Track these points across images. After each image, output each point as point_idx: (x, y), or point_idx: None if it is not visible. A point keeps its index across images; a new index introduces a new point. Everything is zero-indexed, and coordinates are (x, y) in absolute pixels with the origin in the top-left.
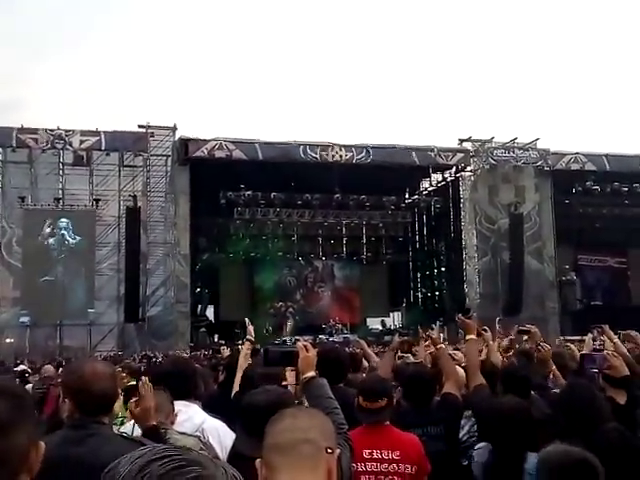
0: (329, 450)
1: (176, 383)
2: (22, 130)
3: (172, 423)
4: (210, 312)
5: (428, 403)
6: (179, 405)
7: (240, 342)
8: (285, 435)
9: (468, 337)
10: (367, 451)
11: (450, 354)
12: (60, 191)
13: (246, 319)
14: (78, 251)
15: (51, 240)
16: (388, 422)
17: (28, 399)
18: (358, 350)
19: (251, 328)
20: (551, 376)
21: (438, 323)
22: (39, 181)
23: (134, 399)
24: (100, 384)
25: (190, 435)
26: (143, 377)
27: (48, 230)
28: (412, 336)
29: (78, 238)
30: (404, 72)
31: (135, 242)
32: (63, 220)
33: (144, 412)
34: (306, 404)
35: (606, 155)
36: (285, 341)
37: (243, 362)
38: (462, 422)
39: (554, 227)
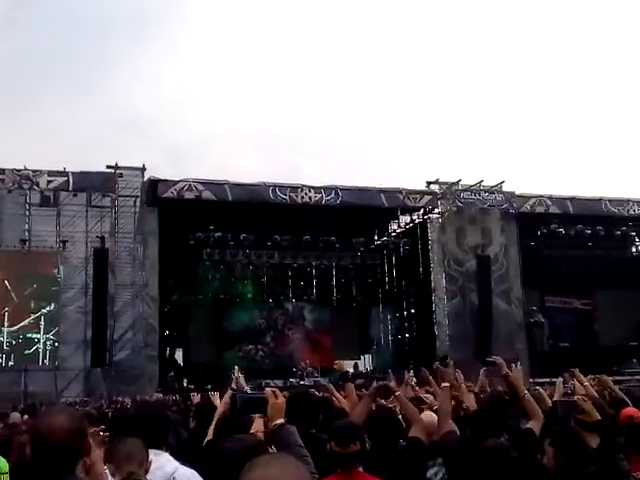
0: None
1: (147, 431)
2: None
3: (146, 472)
4: (179, 355)
5: (392, 447)
6: (149, 454)
7: (209, 387)
8: None
9: (443, 385)
10: None
11: (422, 397)
12: (26, 232)
13: (235, 368)
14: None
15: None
16: (361, 468)
17: None
18: (328, 394)
19: (240, 378)
20: (522, 401)
21: (390, 371)
22: (4, 222)
23: (85, 459)
24: (57, 440)
25: None
26: (98, 431)
27: None
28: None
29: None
30: (371, 115)
31: (102, 284)
32: None
33: (95, 478)
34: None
35: (570, 198)
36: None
37: (222, 410)
38: (435, 470)
39: (520, 269)
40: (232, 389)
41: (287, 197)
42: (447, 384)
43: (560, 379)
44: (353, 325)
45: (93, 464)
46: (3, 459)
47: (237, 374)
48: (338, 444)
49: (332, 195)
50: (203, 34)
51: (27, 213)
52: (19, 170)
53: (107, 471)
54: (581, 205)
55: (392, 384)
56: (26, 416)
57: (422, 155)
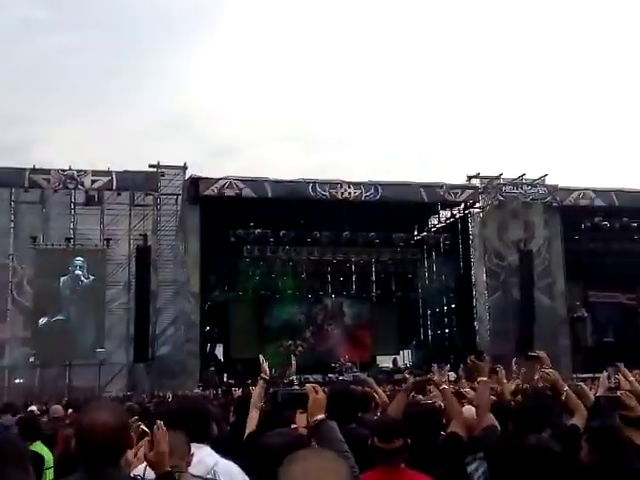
0: None
1: (188, 424)
2: (34, 170)
3: (188, 464)
4: (219, 351)
5: (431, 442)
6: (191, 447)
7: (249, 381)
8: (299, 479)
9: (480, 379)
10: None
11: (463, 392)
12: (71, 231)
13: (260, 356)
14: (90, 291)
15: (64, 279)
16: (403, 464)
17: (22, 453)
18: (368, 389)
19: (265, 366)
20: (563, 397)
21: (435, 365)
22: (51, 221)
23: (146, 439)
24: (99, 437)
25: (204, 479)
26: (158, 421)
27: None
28: (424, 375)
29: (91, 277)
30: (411, 110)
31: (145, 281)
32: (78, 259)
33: (158, 457)
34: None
35: (615, 191)
36: (292, 381)
37: (257, 400)
38: (475, 465)
39: (564, 263)
40: (262, 378)
41: (327, 193)
42: (484, 378)
43: (604, 374)
44: (393, 320)
45: (136, 458)
46: (49, 452)
47: (263, 363)
48: (382, 439)
49: (372, 191)
50: (244, 28)
51: (72, 212)
52: (64, 170)
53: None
54: (626, 198)
55: (437, 378)
56: (70, 410)
57: (463, 149)
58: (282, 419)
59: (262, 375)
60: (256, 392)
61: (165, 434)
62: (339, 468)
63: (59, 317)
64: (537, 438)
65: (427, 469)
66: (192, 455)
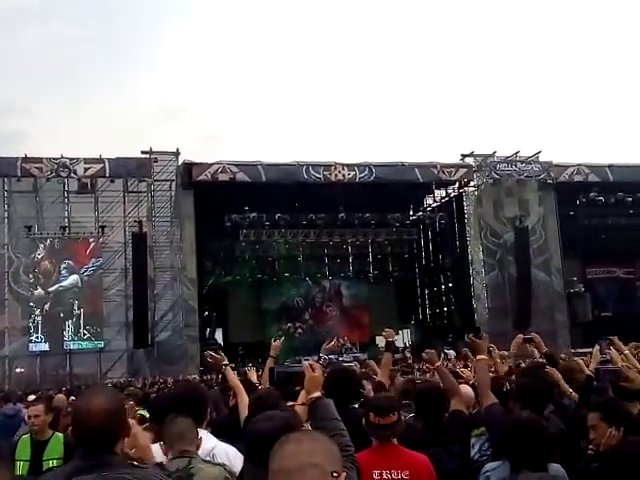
0: (335, 474)
1: (186, 410)
2: (26, 160)
3: (197, 448)
4: (219, 335)
5: (440, 420)
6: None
7: (250, 365)
8: (290, 460)
9: (479, 357)
10: (377, 472)
11: (458, 372)
12: (66, 219)
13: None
14: (87, 278)
15: (62, 267)
16: (396, 441)
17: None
18: (368, 370)
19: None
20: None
21: (429, 350)
22: (44, 210)
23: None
24: (94, 421)
25: (215, 464)
26: (130, 419)
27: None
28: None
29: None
30: (404, 89)
31: (142, 267)
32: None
33: (141, 452)
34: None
35: (609, 166)
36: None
37: (236, 384)
38: (472, 441)
39: (560, 239)
40: (225, 364)
41: (321, 176)
42: (483, 356)
43: (597, 347)
44: (391, 300)
45: (136, 438)
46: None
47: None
48: (377, 414)
49: (366, 172)
50: (237, 18)
51: (66, 200)
52: (56, 158)
53: (157, 446)
54: (620, 172)
55: (430, 357)
56: (72, 397)
57: (456, 128)
58: (274, 398)
59: (224, 362)
60: (230, 376)
61: (138, 428)
62: (329, 448)
63: (58, 308)
64: (528, 414)
65: (446, 447)
66: (200, 439)
